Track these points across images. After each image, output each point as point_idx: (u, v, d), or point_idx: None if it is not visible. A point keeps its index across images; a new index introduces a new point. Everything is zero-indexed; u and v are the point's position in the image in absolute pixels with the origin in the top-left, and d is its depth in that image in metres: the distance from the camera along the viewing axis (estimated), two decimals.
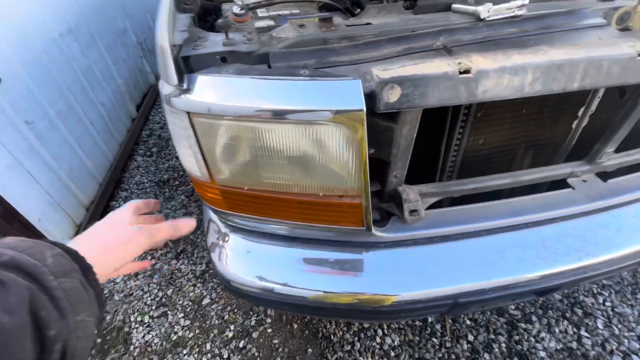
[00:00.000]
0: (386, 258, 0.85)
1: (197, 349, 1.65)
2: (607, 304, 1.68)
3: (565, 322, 1.65)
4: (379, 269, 0.83)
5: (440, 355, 1.58)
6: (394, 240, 0.84)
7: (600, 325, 1.61)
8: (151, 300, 1.86)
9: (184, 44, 0.63)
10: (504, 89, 0.59)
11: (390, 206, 0.86)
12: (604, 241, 0.86)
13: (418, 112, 0.64)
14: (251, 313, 1.77)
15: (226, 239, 0.98)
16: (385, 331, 1.65)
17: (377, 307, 0.81)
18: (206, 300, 1.83)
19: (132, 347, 1.67)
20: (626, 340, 1.54)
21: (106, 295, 1.89)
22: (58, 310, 0.31)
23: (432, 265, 0.84)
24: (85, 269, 0.36)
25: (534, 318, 1.68)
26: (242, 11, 0.65)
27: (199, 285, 1.91)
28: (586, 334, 1.59)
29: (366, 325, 1.67)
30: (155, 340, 1.69)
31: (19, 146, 1.61)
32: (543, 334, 1.62)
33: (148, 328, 1.73)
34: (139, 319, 1.78)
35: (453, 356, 1.57)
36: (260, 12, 0.89)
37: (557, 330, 1.63)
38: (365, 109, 0.53)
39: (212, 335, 1.69)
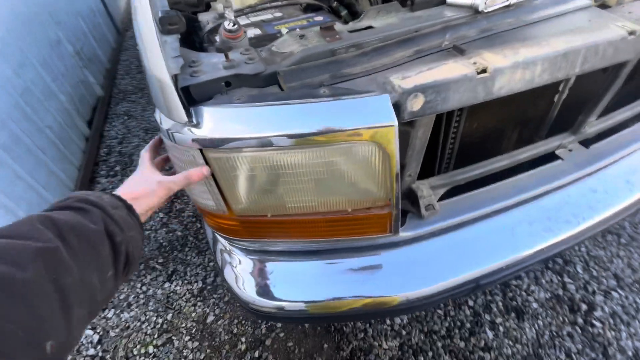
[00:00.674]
0: (408, 255, 0.86)
1: None
2: (583, 249, 1.86)
3: (550, 273, 1.81)
4: (404, 266, 0.85)
5: (446, 324, 1.68)
6: (413, 237, 0.86)
7: (580, 270, 1.78)
8: (151, 329, 1.77)
9: (180, 72, 0.57)
10: (517, 83, 0.60)
11: (405, 204, 0.86)
12: (595, 204, 0.94)
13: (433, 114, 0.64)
14: (259, 322, 1.75)
15: (239, 262, 0.94)
16: None
17: (407, 303, 0.83)
18: (210, 318, 1.78)
19: None
20: (604, 280, 1.73)
21: (100, 333, 1.77)
22: (118, 227, 0.49)
23: (451, 253, 0.87)
24: (128, 207, 0.54)
25: (522, 274, 1.82)
26: (235, 27, 0.59)
27: (199, 304, 1.85)
28: (569, 280, 1.76)
29: None
30: None
31: None
32: (532, 287, 1.77)
33: (155, 359, 1.65)
34: (142, 351, 1.69)
35: (458, 323, 1.67)
36: (241, 19, 0.83)
37: (543, 282, 1.79)
38: (397, 124, 0.51)
39: (224, 351, 1.66)
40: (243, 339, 1.68)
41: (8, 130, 1.77)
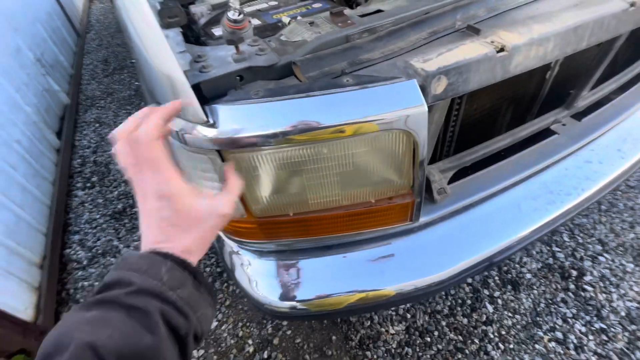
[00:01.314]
0: (424, 240, 0.87)
1: None
2: None
3: (539, 244, 1.89)
4: (421, 252, 0.85)
5: (448, 303, 1.72)
6: (427, 222, 0.86)
7: (566, 239, 1.87)
8: None
9: (190, 68, 0.53)
10: (531, 60, 0.60)
11: None
12: (592, 174, 0.98)
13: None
14: (264, 322, 1.73)
15: (250, 263, 0.91)
16: None
17: (427, 288, 0.84)
18: (214, 324, 1.73)
19: None
20: (590, 246, 1.82)
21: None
22: (183, 315, 0.39)
23: (464, 235, 0.88)
24: (194, 273, 0.42)
25: None
26: (241, 16, 0.55)
27: None
28: (558, 249, 1.84)
29: None
30: None
31: None
32: (525, 259, 1.84)
33: None
34: None
35: (459, 301, 1.72)
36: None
37: (534, 253, 1.87)
38: (426, 107, 0.50)
39: (232, 356, 1.62)
40: (250, 341, 1.65)
41: None
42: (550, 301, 1.70)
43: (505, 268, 1.83)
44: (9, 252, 1.59)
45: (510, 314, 1.67)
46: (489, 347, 1.55)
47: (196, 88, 0.54)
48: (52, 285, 1.75)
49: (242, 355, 1.61)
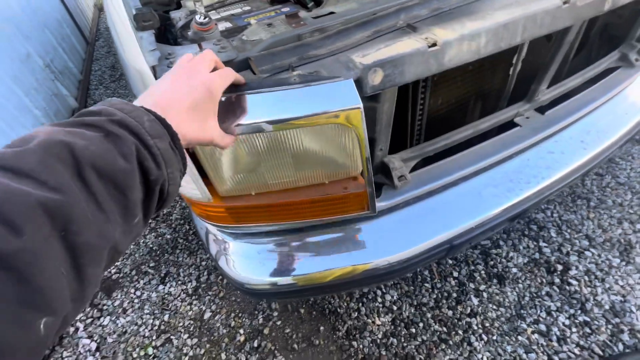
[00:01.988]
0: (385, 224, 0.93)
1: None
2: (555, 215, 1.98)
3: (526, 239, 1.93)
4: (383, 234, 0.91)
5: (434, 296, 1.77)
6: (389, 206, 0.92)
7: (553, 234, 1.90)
8: (149, 331, 1.79)
9: (158, 64, 0.61)
10: (465, 54, 0.67)
11: (379, 177, 0.93)
12: (553, 164, 1.03)
13: (395, 89, 0.70)
14: (256, 312, 1.80)
15: (229, 246, 0.99)
16: (384, 290, 1.79)
17: (388, 267, 0.90)
18: (207, 315, 1.81)
19: None
20: (577, 241, 1.85)
21: (97, 341, 1.78)
22: (155, 163, 0.39)
23: (426, 219, 0.95)
24: (172, 135, 0.43)
25: (501, 243, 1.93)
26: (206, 19, 0.64)
27: (194, 302, 1.88)
28: (544, 244, 1.87)
29: (365, 290, 1.79)
30: None
31: None
32: (511, 254, 1.88)
33: (155, 359, 1.68)
34: (142, 353, 1.71)
35: (445, 294, 1.77)
36: (212, 14, 0.87)
37: (521, 248, 1.90)
38: (362, 105, 0.57)
39: (224, 344, 1.70)
40: (241, 331, 1.72)
41: None
42: (535, 294, 1.73)
43: (491, 262, 1.87)
44: None
45: (494, 307, 1.70)
46: (473, 339, 1.59)
47: None
48: None
49: (233, 344, 1.68)
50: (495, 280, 1.80)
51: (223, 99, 0.57)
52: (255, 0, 0.92)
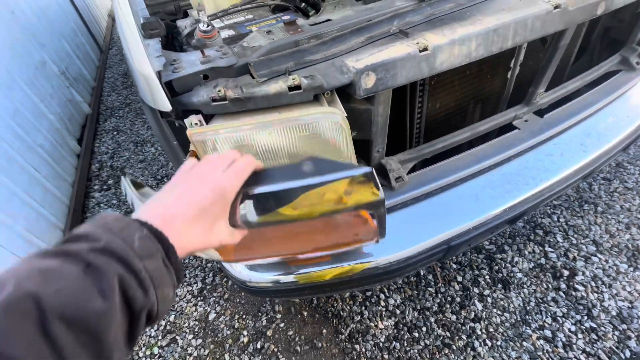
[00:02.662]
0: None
1: None
2: (561, 220, 1.96)
3: (531, 244, 1.91)
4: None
5: (438, 300, 1.76)
6: (387, 207, 0.94)
7: (560, 239, 1.88)
8: (155, 331, 1.82)
9: (163, 69, 0.65)
10: (456, 58, 0.69)
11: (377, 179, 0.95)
12: (552, 166, 1.03)
13: (389, 91, 0.73)
14: (260, 314, 1.82)
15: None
16: (387, 293, 1.80)
17: (387, 266, 0.91)
18: (212, 316, 1.84)
19: None
20: (584, 246, 1.83)
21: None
22: (142, 288, 0.37)
23: (423, 220, 0.96)
24: (167, 249, 0.40)
25: (506, 247, 1.91)
26: (209, 27, 0.67)
27: (200, 303, 1.91)
28: (550, 249, 1.85)
29: (369, 293, 1.80)
30: None
31: None
32: (516, 259, 1.86)
33: (161, 358, 1.71)
34: (147, 352, 1.74)
35: (449, 298, 1.76)
36: (216, 23, 0.91)
37: (526, 253, 1.88)
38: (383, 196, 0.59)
39: (227, 345, 1.72)
40: (245, 332, 1.74)
41: (1, 151, 1.83)
42: (540, 300, 1.71)
43: (496, 267, 1.86)
44: (29, 245, 1.76)
45: (499, 312, 1.69)
46: (477, 344, 1.58)
47: (169, 85, 0.66)
48: None
49: (237, 345, 1.70)
50: (499, 285, 1.78)
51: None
52: (258, 9, 0.96)
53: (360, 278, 0.93)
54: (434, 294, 1.79)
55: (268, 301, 1.84)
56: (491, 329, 1.64)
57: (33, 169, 2.03)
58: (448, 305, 1.75)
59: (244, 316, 1.82)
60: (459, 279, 1.82)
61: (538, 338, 1.59)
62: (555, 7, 0.74)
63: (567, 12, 0.77)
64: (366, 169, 0.54)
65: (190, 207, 0.44)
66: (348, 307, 1.77)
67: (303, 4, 1.04)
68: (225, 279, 2.00)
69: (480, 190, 0.98)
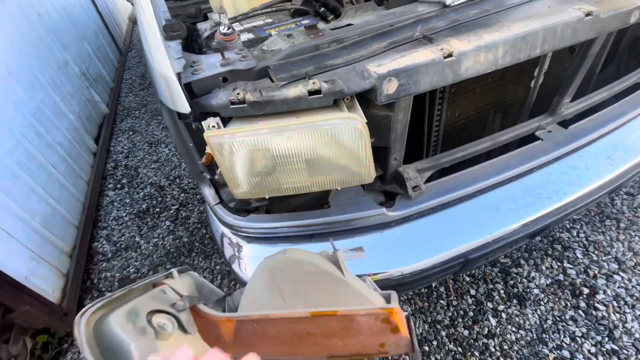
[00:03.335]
0: (399, 234, 0.92)
1: None
2: (581, 235, 1.89)
3: (549, 259, 1.84)
4: (395, 245, 0.90)
5: (450, 314, 1.71)
6: (403, 216, 0.91)
7: (579, 255, 1.81)
8: None
9: (183, 71, 0.65)
10: (482, 65, 0.67)
11: (393, 187, 0.93)
12: (576, 179, 0.99)
13: (410, 98, 0.71)
14: None
15: (242, 249, 1.01)
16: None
17: (401, 279, 0.88)
18: None
19: None
20: (605, 264, 1.75)
21: None
22: None
23: (440, 231, 0.93)
24: None
25: (522, 262, 1.85)
26: (230, 30, 0.67)
27: None
28: (569, 265, 1.78)
29: None
30: None
31: None
32: (533, 274, 1.79)
33: None
34: None
35: (461, 312, 1.70)
36: (235, 26, 0.91)
37: (543, 268, 1.82)
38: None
39: None
40: None
41: (23, 148, 1.87)
42: (558, 318, 1.64)
43: (511, 282, 1.80)
44: (43, 240, 1.79)
45: (514, 329, 1.63)
46: None
47: (188, 87, 0.66)
48: (79, 273, 1.93)
49: None
50: (515, 301, 1.72)
51: None
52: (277, 13, 0.96)
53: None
54: (445, 307, 1.74)
55: None
56: (505, 347, 1.58)
57: (51, 166, 2.08)
58: (460, 319, 1.69)
59: None
60: (472, 292, 1.77)
61: (555, 358, 1.53)
62: (587, 15, 0.71)
63: (599, 20, 0.74)
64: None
65: None
66: None
67: (322, 9, 1.04)
68: (233, 282, 1.99)
69: (500, 203, 0.95)
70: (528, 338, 1.58)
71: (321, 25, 0.77)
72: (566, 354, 1.51)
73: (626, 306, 1.63)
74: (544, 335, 1.58)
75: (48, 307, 1.61)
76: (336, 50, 0.70)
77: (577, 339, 1.55)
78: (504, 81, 1.04)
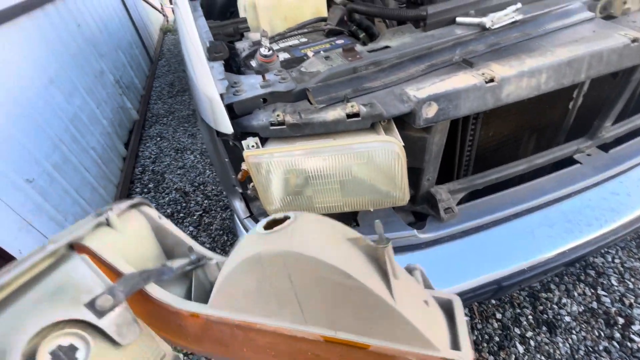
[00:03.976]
0: (429, 256, 0.90)
1: None
2: (617, 261, 1.79)
3: (582, 285, 1.75)
4: (426, 268, 0.88)
5: (474, 337, 1.65)
6: (434, 239, 0.90)
7: (614, 282, 1.72)
8: None
9: (225, 92, 0.67)
10: (524, 90, 0.65)
11: (424, 208, 0.91)
12: (618, 206, 0.94)
13: (447, 121, 0.70)
14: None
15: None
16: None
17: None
18: None
19: None
20: None
21: None
22: None
23: (472, 255, 0.90)
24: None
25: (552, 286, 1.77)
26: (270, 52, 0.69)
27: None
28: (604, 293, 1.69)
29: None
30: None
31: (24, 206, 1.58)
32: (564, 300, 1.71)
33: None
34: None
35: (486, 336, 1.64)
36: (272, 46, 0.94)
37: (576, 294, 1.73)
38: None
39: None
40: None
41: (59, 151, 1.97)
42: (590, 349, 1.56)
43: (541, 307, 1.72)
44: None
45: (543, 358, 1.55)
46: None
47: (229, 107, 0.68)
48: None
49: None
50: (544, 328, 1.64)
51: None
52: (312, 33, 0.97)
53: None
54: (469, 330, 1.68)
55: None
56: None
57: (84, 169, 2.17)
58: (485, 344, 1.63)
59: None
60: (498, 316, 1.70)
61: None
62: (634, 41, 0.68)
63: None
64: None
65: None
66: None
67: (354, 27, 1.05)
68: None
69: (536, 228, 0.91)
70: None
71: (358, 47, 0.77)
72: None
73: None
74: None
75: None
76: (374, 72, 0.70)
77: None
78: (541, 102, 1.01)
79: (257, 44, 0.91)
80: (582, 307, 1.66)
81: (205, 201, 2.62)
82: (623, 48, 0.69)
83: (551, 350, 1.54)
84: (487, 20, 0.75)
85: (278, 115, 0.62)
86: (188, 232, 2.39)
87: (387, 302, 0.35)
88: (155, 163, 3.08)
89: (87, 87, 2.53)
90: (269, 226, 0.38)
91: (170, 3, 4.12)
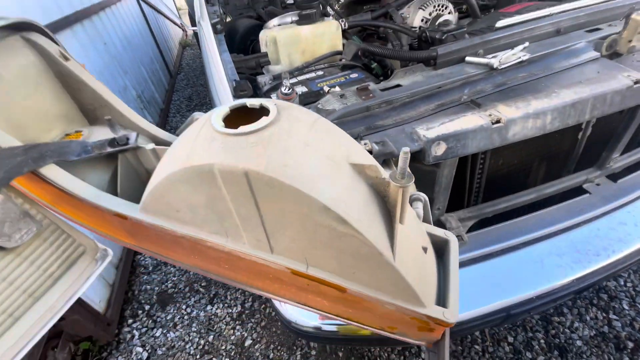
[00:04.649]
0: None
1: None
2: (629, 284, 1.77)
3: (594, 309, 1.73)
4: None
5: None
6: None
7: (626, 306, 1.69)
8: (194, 349, 1.88)
9: None
10: (529, 130, 0.69)
11: None
12: (626, 237, 0.96)
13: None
14: (295, 348, 1.81)
15: None
16: None
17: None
18: (248, 342, 1.87)
19: None
20: None
21: (148, 351, 1.91)
22: None
23: (482, 283, 0.93)
24: None
25: (565, 310, 1.75)
26: (290, 91, 0.75)
27: (238, 327, 1.95)
28: (615, 317, 1.67)
29: None
30: None
31: None
32: (576, 324, 1.69)
33: None
34: None
35: None
36: (290, 79, 1.00)
37: (588, 318, 1.71)
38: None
39: None
40: None
41: None
42: None
43: (553, 331, 1.71)
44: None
45: None
46: None
47: None
48: (123, 284, 2.06)
49: None
50: (556, 352, 1.63)
51: None
52: (328, 67, 1.03)
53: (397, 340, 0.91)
54: (480, 353, 1.67)
55: None
56: None
57: None
58: None
59: (279, 347, 1.83)
60: (510, 339, 1.69)
61: None
62: (636, 83, 0.71)
63: None
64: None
65: None
66: (386, 354, 1.71)
67: (367, 60, 1.10)
68: (263, 306, 2.04)
69: (545, 257, 0.93)
70: None
71: (372, 86, 0.82)
72: None
73: None
74: None
75: (94, 317, 1.73)
76: (386, 111, 0.75)
77: None
78: (551, 132, 1.04)
79: (277, 77, 0.97)
80: (594, 331, 1.64)
81: None
82: (626, 90, 0.72)
83: None
84: (495, 61, 0.79)
85: None
86: None
87: (385, 258, 0.28)
88: None
89: None
90: (235, 120, 0.25)
91: (192, 25, 4.28)
